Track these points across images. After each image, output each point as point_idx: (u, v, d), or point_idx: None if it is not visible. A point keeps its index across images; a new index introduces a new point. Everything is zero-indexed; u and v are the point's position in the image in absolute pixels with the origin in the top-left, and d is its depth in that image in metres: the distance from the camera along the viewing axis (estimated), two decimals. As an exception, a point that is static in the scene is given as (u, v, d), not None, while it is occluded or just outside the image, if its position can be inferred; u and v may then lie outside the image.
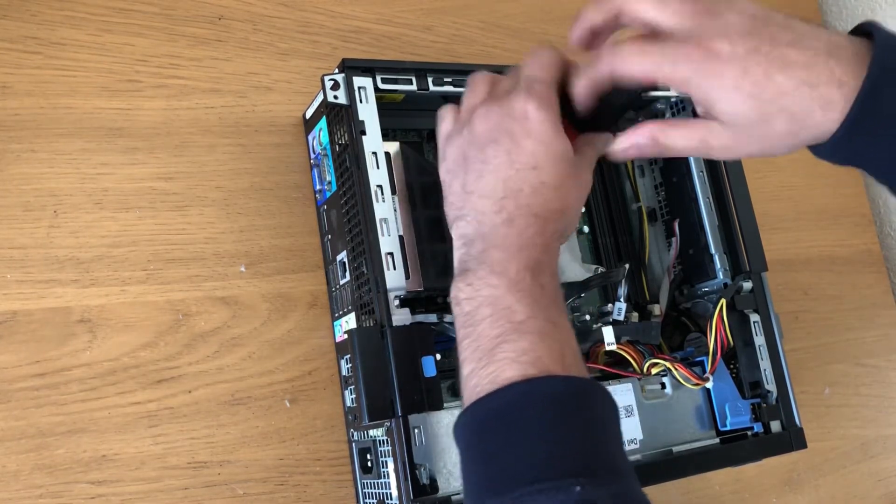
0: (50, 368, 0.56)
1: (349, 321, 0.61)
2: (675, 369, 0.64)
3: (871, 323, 0.94)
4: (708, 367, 0.64)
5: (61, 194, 0.59)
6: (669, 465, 0.62)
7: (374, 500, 0.58)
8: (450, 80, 0.62)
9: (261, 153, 0.66)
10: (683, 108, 0.70)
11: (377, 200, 0.57)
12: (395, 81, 0.60)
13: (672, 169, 0.72)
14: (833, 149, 0.43)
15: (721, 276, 0.68)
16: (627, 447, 0.62)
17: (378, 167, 0.58)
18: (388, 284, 0.55)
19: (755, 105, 0.42)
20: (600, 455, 0.41)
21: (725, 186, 0.69)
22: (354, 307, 0.60)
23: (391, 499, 0.55)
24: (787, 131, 0.43)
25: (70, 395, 0.56)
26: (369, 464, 0.59)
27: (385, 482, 0.56)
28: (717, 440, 0.66)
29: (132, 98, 0.63)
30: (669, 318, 0.71)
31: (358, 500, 0.61)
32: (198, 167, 0.63)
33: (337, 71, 0.59)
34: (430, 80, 0.62)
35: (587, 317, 0.67)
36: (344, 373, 0.62)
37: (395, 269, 0.56)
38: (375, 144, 0.58)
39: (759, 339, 0.67)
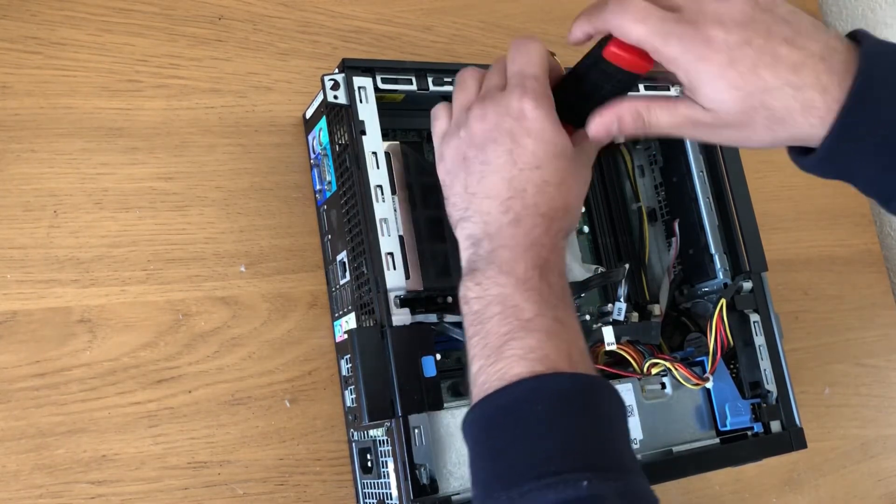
0: (50, 368, 0.56)
1: (349, 321, 0.61)
2: (675, 369, 0.64)
3: (871, 323, 0.94)
4: (708, 367, 0.64)
5: (61, 194, 0.59)
6: (669, 465, 0.63)
7: (374, 500, 0.58)
8: (450, 80, 0.62)
9: (261, 153, 0.66)
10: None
11: (377, 200, 0.57)
12: (395, 81, 0.60)
13: (672, 169, 0.72)
14: (819, 161, 0.43)
15: (721, 276, 0.68)
16: (627, 447, 0.62)
17: (378, 167, 0.58)
18: (388, 284, 0.55)
19: (737, 96, 0.42)
20: (607, 451, 0.42)
21: (725, 186, 0.69)
22: (354, 307, 0.60)
23: (391, 499, 0.55)
24: (765, 127, 0.43)
25: (70, 395, 0.56)
26: (369, 464, 0.59)
27: (385, 482, 0.56)
28: (717, 440, 0.66)
29: (132, 98, 0.63)
30: (669, 318, 0.71)
31: (358, 500, 0.61)
32: (198, 167, 0.63)
33: (337, 71, 0.59)
34: (430, 80, 0.62)
35: (587, 317, 0.67)
36: (344, 373, 0.62)
37: (395, 269, 0.56)
38: (375, 144, 0.58)
39: (759, 339, 0.67)
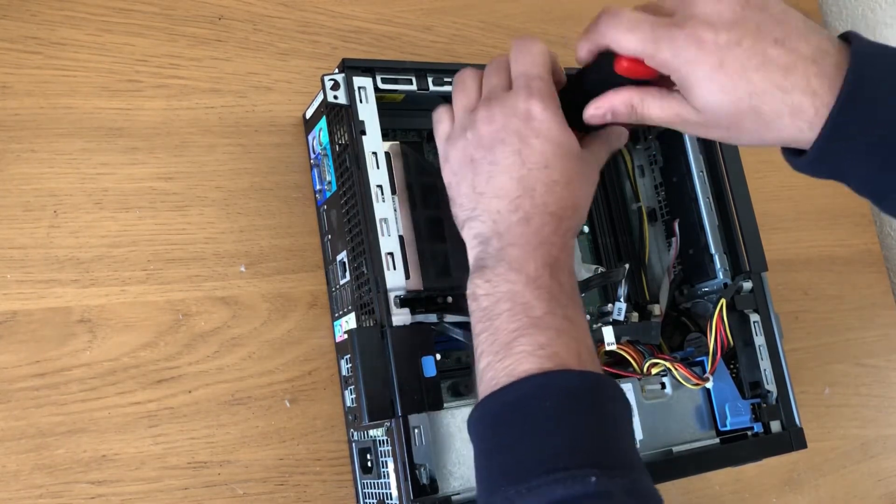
0: (50, 368, 0.56)
1: (349, 321, 0.61)
2: (675, 369, 0.64)
3: (871, 323, 0.94)
4: (708, 367, 0.64)
5: (61, 194, 0.59)
6: (669, 465, 0.63)
7: (374, 500, 0.58)
8: (450, 80, 0.62)
9: (261, 153, 0.66)
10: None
11: (377, 200, 0.57)
12: (395, 81, 0.60)
13: (672, 169, 0.72)
14: (811, 163, 0.43)
15: (721, 276, 0.68)
16: (627, 447, 0.62)
17: (378, 167, 0.58)
18: (388, 284, 0.55)
19: (726, 100, 0.43)
20: (614, 449, 0.42)
21: (725, 186, 0.69)
22: (354, 307, 0.60)
23: (391, 499, 0.55)
24: (753, 129, 0.43)
25: (70, 395, 0.56)
26: (369, 464, 0.59)
27: (385, 482, 0.56)
28: (717, 440, 0.66)
29: (132, 98, 0.63)
30: (669, 318, 0.71)
31: (358, 500, 0.61)
32: (198, 167, 0.63)
33: (337, 71, 0.59)
34: (430, 80, 0.62)
35: (587, 317, 0.67)
36: (344, 373, 0.62)
37: (395, 269, 0.56)
38: (375, 144, 0.58)
39: (759, 339, 0.67)
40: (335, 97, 0.58)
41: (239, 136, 0.65)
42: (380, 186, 0.57)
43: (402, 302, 0.56)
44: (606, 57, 0.48)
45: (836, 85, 0.41)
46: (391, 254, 0.56)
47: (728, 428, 0.66)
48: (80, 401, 0.56)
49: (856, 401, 0.90)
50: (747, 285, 0.68)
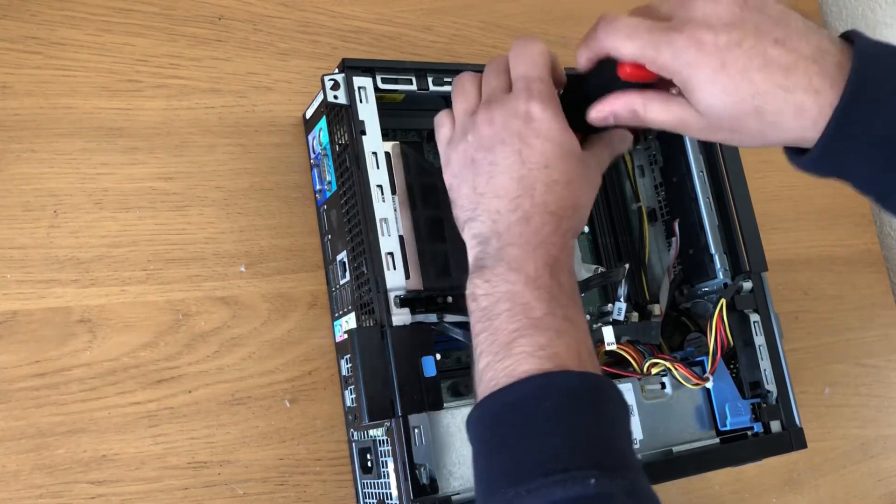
0: (50, 368, 0.56)
1: (349, 321, 0.61)
2: (675, 369, 0.64)
3: (871, 323, 0.94)
4: (708, 367, 0.64)
5: (61, 194, 0.59)
6: (669, 465, 0.63)
7: (374, 500, 0.58)
8: (450, 80, 0.62)
9: (261, 153, 0.66)
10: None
11: (377, 200, 0.57)
12: (395, 81, 0.60)
13: (672, 169, 0.72)
14: (814, 161, 0.43)
15: (721, 276, 0.68)
16: (627, 447, 0.62)
17: (378, 167, 0.58)
18: (388, 284, 0.55)
19: (729, 101, 0.43)
20: (613, 450, 0.42)
21: (725, 186, 0.69)
22: (354, 307, 0.60)
23: (391, 499, 0.55)
24: (756, 130, 0.43)
25: (70, 395, 0.56)
26: (369, 464, 0.59)
27: (385, 482, 0.56)
28: (717, 440, 0.66)
29: (132, 98, 0.63)
30: (669, 318, 0.71)
31: (358, 500, 0.61)
32: (198, 167, 0.63)
33: (337, 71, 0.59)
34: (430, 80, 0.62)
35: (587, 317, 0.67)
36: (344, 373, 0.62)
37: (395, 269, 0.56)
38: (375, 144, 0.58)
39: (759, 339, 0.67)
40: (335, 97, 0.58)
41: (239, 136, 0.65)
42: (380, 186, 0.57)
43: (402, 302, 0.56)
44: (608, 61, 0.48)
45: (839, 84, 0.41)
46: (391, 254, 0.56)
47: (728, 428, 0.66)
48: (80, 401, 0.56)
49: (856, 401, 0.90)
50: (747, 285, 0.68)
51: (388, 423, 0.54)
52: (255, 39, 0.68)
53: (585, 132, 0.51)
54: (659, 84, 0.47)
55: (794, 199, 0.93)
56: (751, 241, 0.68)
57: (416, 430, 0.54)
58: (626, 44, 0.45)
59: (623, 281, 0.65)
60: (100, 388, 0.56)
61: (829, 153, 0.42)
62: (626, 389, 0.63)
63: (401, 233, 0.59)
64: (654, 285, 0.72)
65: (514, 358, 0.44)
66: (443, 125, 0.54)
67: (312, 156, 0.66)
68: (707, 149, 0.70)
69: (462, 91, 0.53)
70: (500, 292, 0.46)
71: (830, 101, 0.41)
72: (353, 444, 0.61)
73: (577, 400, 0.42)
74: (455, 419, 0.56)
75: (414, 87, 0.61)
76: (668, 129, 0.48)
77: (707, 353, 0.65)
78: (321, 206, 0.65)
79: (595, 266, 0.70)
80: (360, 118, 0.58)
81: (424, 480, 0.53)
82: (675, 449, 0.64)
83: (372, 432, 0.58)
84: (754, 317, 0.67)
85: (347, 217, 0.60)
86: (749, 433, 0.66)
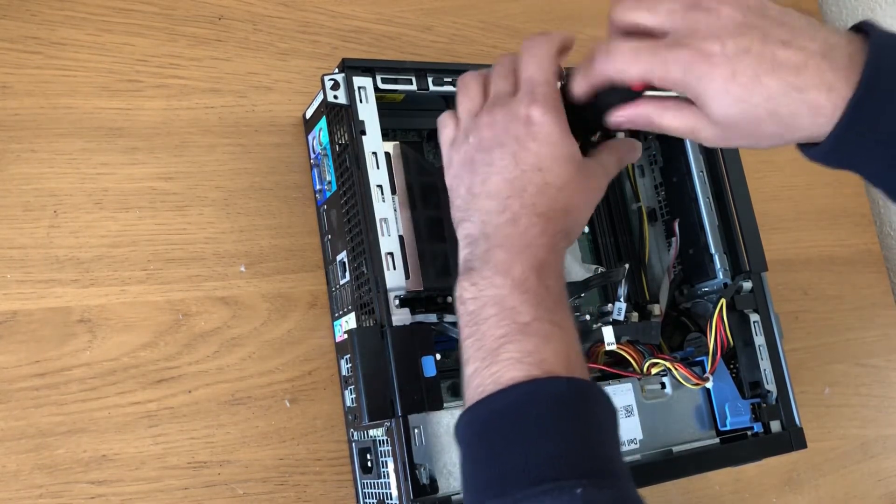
0: (50, 368, 0.56)
1: (349, 321, 0.61)
2: (675, 369, 0.64)
3: (871, 323, 0.94)
4: (708, 367, 0.64)
5: (61, 194, 0.59)
6: (669, 465, 0.62)
7: (374, 500, 0.58)
8: (450, 80, 0.62)
9: (261, 153, 0.66)
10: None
11: (377, 200, 0.57)
12: (395, 81, 0.60)
13: (672, 169, 0.72)
14: (825, 154, 0.43)
15: (721, 276, 0.68)
16: (627, 447, 0.62)
17: (378, 167, 0.58)
18: (388, 284, 0.55)
19: (744, 108, 0.42)
20: (601, 457, 0.41)
21: (725, 186, 0.69)
22: (354, 307, 0.60)
23: (391, 499, 0.55)
24: (773, 133, 0.43)
25: (70, 395, 0.56)
26: (369, 464, 0.59)
27: (385, 482, 0.56)
28: (717, 440, 0.66)
29: (132, 98, 0.63)
30: (669, 318, 0.71)
31: (358, 500, 0.61)
32: (198, 167, 0.63)
33: (337, 71, 0.59)
34: (430, 80, 0.62)
35: (587, 317, 0.67)
36: (344, 373, 0.62)
37: (395, 269, 0.56)
38: (375, 144, 0.58)
39: (759, 339, 0.67)
40: (335, 97, 0.58)
41: (239, 136, 0.65)
42: (380, 186, 0.57)
43: (402, 302, 0.56)
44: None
45: (853, 77, 0.40)
46: (391, 254, 0.56)
47: (728, 428, 0.66)
48: (80, 401, 0.56)
49: (856, 401, 0.90)
50: (747, 285, 0.68)
51: (388, 423, 0.54)
52: (255, 39, 0.68)
53: (590, 140, 0.51)
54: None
55: (794, 199, 0.93)
56: (751, 241, 0.68)
57: (416, 430, 0.54)
58: (632, 66, 0.44)
59: (623, 281, 0.65)
60: (100, 388, 0.57)
61: (841, 147, 0.42)
62: (627, 389, 0.63)
63: (401, 233, 0.59)
64: (654, 285, 0.72)
65: (501, 364, 0.43)
66: (446, 126, 0.54)
67: (312, 156, 0.66)
68: (707, 149, 0.70)
69: (466, 92, 0.52)
70: (487, 296, 0.46)
71: (844, 95, 0.40)
72: (353, 444, 0.61)
73: (565, 406, 0.42)
74: (455, 419, 0.56)
75: (414, 87, 0.61)
76: (683, 136, 0.47)
77: (707, 353, 0.65)
78: (321, 206, 0.65)
79: (595, 266, 0.70)
80: (360, 118, 0.58)
81: (424, 480, 0.53)
82: (675, 449, 0.64)
83: (372, 432, 0.58)
84: (754, 317, 0.67)
85: (347, 217, 0.60)
86: (749, 433, 0.66)
